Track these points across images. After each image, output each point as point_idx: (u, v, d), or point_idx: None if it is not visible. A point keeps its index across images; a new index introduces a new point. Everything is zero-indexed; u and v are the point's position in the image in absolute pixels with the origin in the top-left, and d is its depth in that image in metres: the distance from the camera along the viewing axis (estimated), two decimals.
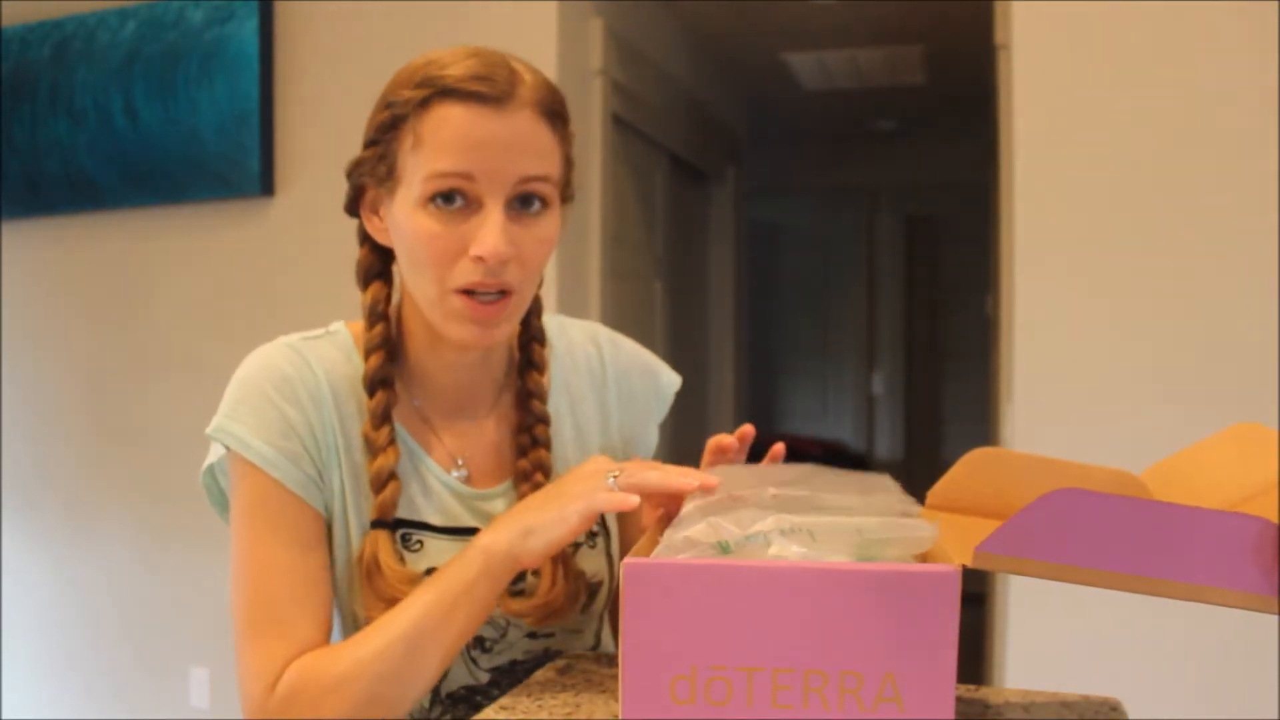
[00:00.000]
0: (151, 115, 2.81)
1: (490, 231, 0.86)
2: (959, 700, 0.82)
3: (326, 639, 0.91)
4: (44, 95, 2.95)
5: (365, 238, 0.97)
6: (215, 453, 0.95)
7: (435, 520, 0.95)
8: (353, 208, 0.96)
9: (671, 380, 1.14)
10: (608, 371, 1.09)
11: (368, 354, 0.94)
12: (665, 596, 0.65)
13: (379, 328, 0.95)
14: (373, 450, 0.92)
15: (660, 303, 3.52)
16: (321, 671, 0.86)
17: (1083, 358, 2.12)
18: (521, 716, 0.79)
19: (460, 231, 0.87)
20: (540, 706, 0.81)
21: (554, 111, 0.90)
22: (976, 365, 4.51)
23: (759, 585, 0.64)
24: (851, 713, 0.63)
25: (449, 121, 0.86)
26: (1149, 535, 0.61)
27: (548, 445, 1.01)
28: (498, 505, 0.99)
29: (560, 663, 0.94)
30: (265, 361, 0.92)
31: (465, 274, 0.87)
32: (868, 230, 5.72)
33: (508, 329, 0.93)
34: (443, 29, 2.58)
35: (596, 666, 0.93)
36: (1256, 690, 1.97)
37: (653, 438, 1.14)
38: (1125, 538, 0.61)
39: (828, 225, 5.81)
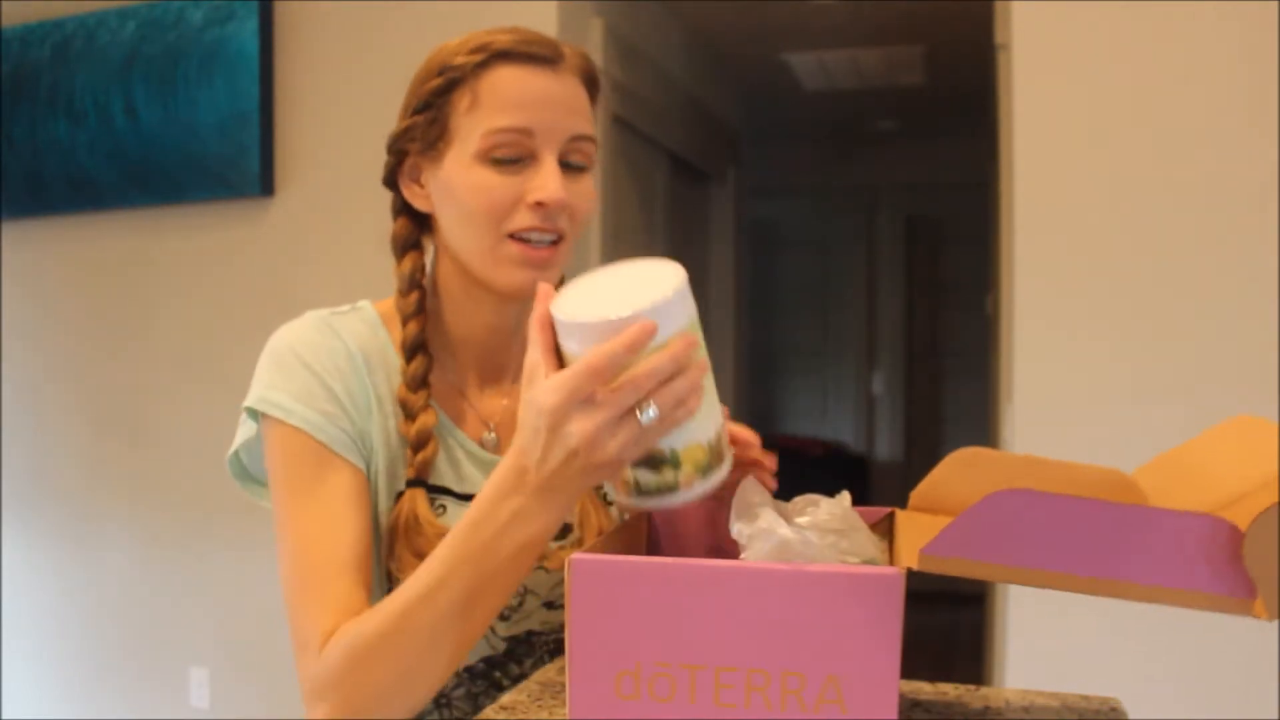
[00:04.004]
0: (151, 115, 2.81)
1: (550, 179, 0.89)
2: (959, 700, 0.82)
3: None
4: (44, 95, 2.95)
5: (400, 210, 1.00)
6: (244, 434, 0.96)
7: (455, 487, 0.97)
8: (391, 178, 0.98)
9: None
10: None
11: (406, 320, 0.96)
12: (612, 592, 0.65)
13: (415, 294, 0.97)
14: (411, 412, 0.93)
15: None
16: (360, 633, 0.81)
17: (1083, 357, 2.12)
18: (521, 716, 0.79)
19: (516, 182, 0.90)
20: (540, 706, 0.81)
21: (593, 79, 0.96)
22: (976, 365, 4.51)
23: (703, 584, 0.64)
24: (794, 713, 0.63)
25: (507, 81, 0.90)
26: (1103, 536, 0.60)
27: None
28: None
29: (560, 662, 0.94)
30: (295, 333, 0.94)
31: (522, 219, 0.90)
32: (868, 230, 5.73)
33: (557, 275, 0.94)
34: (442, 29, 2.56)
35: None
36: (1256, 691, 1.97)
37: None
38: (1077, 539, 0.60)
39: (828, 225, 5.82)
